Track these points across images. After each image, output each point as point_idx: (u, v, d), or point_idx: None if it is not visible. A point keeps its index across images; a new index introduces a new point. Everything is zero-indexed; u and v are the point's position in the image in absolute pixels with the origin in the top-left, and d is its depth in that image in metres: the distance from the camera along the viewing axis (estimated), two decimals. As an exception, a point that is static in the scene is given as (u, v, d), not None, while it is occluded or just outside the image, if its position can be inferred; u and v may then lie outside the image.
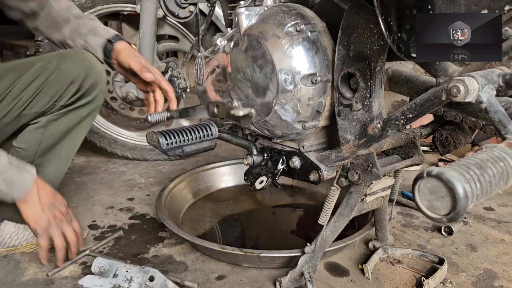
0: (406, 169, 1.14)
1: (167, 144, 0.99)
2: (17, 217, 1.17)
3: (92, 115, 1.32)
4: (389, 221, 1.32)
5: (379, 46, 0.87)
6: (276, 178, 1.18)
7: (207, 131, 1.06)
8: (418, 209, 0.48)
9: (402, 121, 0.84)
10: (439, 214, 0.46)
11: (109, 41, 1.25)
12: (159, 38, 2.07)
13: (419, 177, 0.47)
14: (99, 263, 1.10)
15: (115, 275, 1.07)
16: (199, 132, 1.05)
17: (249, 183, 1.22)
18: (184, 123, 2.16)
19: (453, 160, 2.06)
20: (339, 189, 1.09)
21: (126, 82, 2.01)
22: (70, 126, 1.28)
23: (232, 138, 1.17)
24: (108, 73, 2.01)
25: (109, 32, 1.28)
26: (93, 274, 1.10)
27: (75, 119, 1.28)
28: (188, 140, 1.03)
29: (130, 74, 1.27)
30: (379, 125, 0.89)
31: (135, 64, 1.21)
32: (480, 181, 0.44)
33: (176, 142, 1.01)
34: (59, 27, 1.31)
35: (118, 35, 1.27)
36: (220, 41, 1.18)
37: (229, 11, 1.31)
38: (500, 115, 0.61)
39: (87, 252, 1.28)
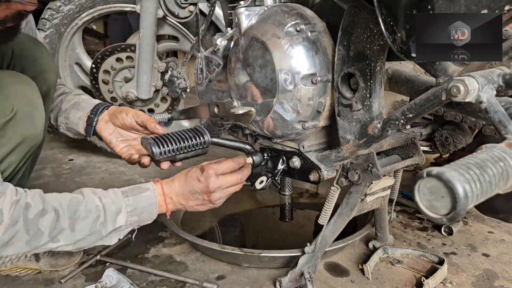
0: (405, 169, 1.14)
1: (160, 153, 1.00)
2: None
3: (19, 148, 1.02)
4: (389, 221, 1.32)
5: (379, 46, 0.87)
6: (276, 178, 1.18)
7: (200, 139, 1.05)
8: (418, 209, 0.48)
9: (402, 121, 0.84)
10: (439, 214, 0.46)
11: (93, 112, 1.13)
12: (159, 38, 2.07)
13: (419, 177, 0.46)
14: (109, 275, 1.11)
15: None
16: (192, 140, 1.05)
17: (249, 183, 1.22)
18: (185, 123, 2.16)
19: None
20: (339, 189, 1.09)
21: (126, 82, 2.01)
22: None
23: (226, 142, 1.17)
24: (108, 72, 2.01)
25: (93, 103, 1.15)
26: (95, 284, 1.11)
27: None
28: (181, 149, 1.03)
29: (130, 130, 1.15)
30: (379, 125, 0.89)
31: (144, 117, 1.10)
32: (480, 181, 0.44)
33: (169, 151, 1.01)
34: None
35: (101, 103, 1.16)
36: (220, 41, 1.18)
37: (229, 11, 1.31)
38: (500, 115, 0.61)
39: (98, 257, 1.28)
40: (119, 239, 0.98)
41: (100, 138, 1.15)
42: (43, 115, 1.04)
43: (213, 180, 0.99)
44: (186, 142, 1.04)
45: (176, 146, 1.02)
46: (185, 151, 1.04)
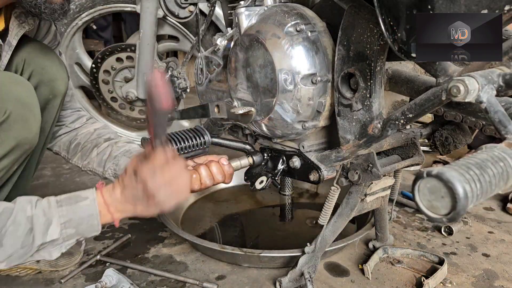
0: (405, 169, 1.14)
1: None
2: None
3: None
4: (389, 221, 1.32)
5: (379, 46, 0.87)
6: (276, 178, 1.18)
7: (200, 139, 1.05)
8: (418, 209, 0.48)
9: (402, 121, 0.84)
10: (439, 214, 0.46)
11: None
12: (159, 38, 2.07)
13: (419, 177, 0.47)
14: (109, 275, 1.11)
15: None
16: (192, 141, 1.04)
17: (249, 183, 1.22)
18: (185, 123, 2.16)
19: (447, 162, 2.06)
20: (339, 189, 1.09)
21: (126, 82, 2.01)
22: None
23: (226, 142, 1.17)
24: (108, 72, 2.01)
25: None
26: (95, 284, 1.11)
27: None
28: (181, 149, 1.03)
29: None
30: (379, 125, 0.89)
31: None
32: (480, 181, 0.44)
33: None
34: (85, 152, 1.20)
35: None
36: (220, 41, 1.18)
37: (229, 11, 1.31)
38: (500, 115, 0.61)
39: (98, 257, 1.28)
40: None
41: None
42: (38, 118, 1.00)
43: (150, 182, 0.83)
44: (186, 142, 1.04)
45: (177, 147, 1.02)
46: (186, 151, 1.04)
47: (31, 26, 1.06)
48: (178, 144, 1.03)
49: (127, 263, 1.26)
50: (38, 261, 1.21)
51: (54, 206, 0.86)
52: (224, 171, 1.05)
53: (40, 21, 1.15)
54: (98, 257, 1.28)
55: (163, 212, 0.90)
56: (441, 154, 1.21)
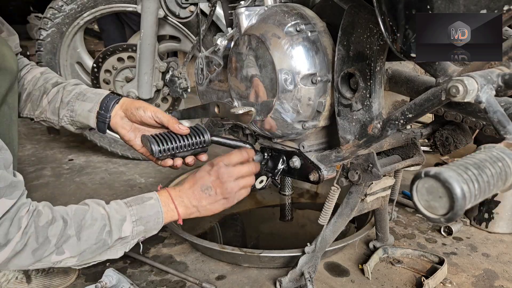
0: (406, 169, 1.14)
1: (160, 151, 1.00)
2: None
3: None
4: (390, 221, 1.32)
5: (379, 46, 0.87)
6: (276, 178, 1.18)
7: (200, 138, 1.06)
8: (416, 209, 0.48)
9: (402, 121, 0.83)
10: (436, 214, 0.46)
11: (103, 108, 1.05)
12: (160, 38, 2.07)
13: (417, 177, 0.47)
14: (109, 275, 1.12)
15: None
16: (192, 139, 1.05)
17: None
18: (186, 123, 2.16)
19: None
20: (339, 189, 1.09)
21: (128, 81, 2.01)
22: None
23: (226, 141, 1.17)
24: (109, 72, 2.01)
25: (100, 94, 1.07)
26: (95, 284, 1.11)
27: None
28: (180, 147, 1.03)
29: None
30: (379, 125, 0.89)
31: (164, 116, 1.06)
32: (478, 181, 0.44)
33: (168, 150, 1.01)
34: (35, 101, 1.10)
35: (109, 95, 1.07)
36: (220, 41, 1.18)
37: (229, 11, 1.31)
38: (499, 115, 0.60)
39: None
40: (125, 253, 0.94)
41: (114, 132, 1.10)
42: None
43: (223, 170, 0.98)
44: (186, 140, 1.04)
45: (176, 145, 1.02)
46: (185, 149, 1.04)
47: None
48: (178, 143, 1.03)
49: (144, 257, 1.28)
50: (29, 282, 1.16)
51: (124, 206, 0.93)
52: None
53: None
54: None
55: (225, 207, 1.01)
56: (441, 154, 1.20)
